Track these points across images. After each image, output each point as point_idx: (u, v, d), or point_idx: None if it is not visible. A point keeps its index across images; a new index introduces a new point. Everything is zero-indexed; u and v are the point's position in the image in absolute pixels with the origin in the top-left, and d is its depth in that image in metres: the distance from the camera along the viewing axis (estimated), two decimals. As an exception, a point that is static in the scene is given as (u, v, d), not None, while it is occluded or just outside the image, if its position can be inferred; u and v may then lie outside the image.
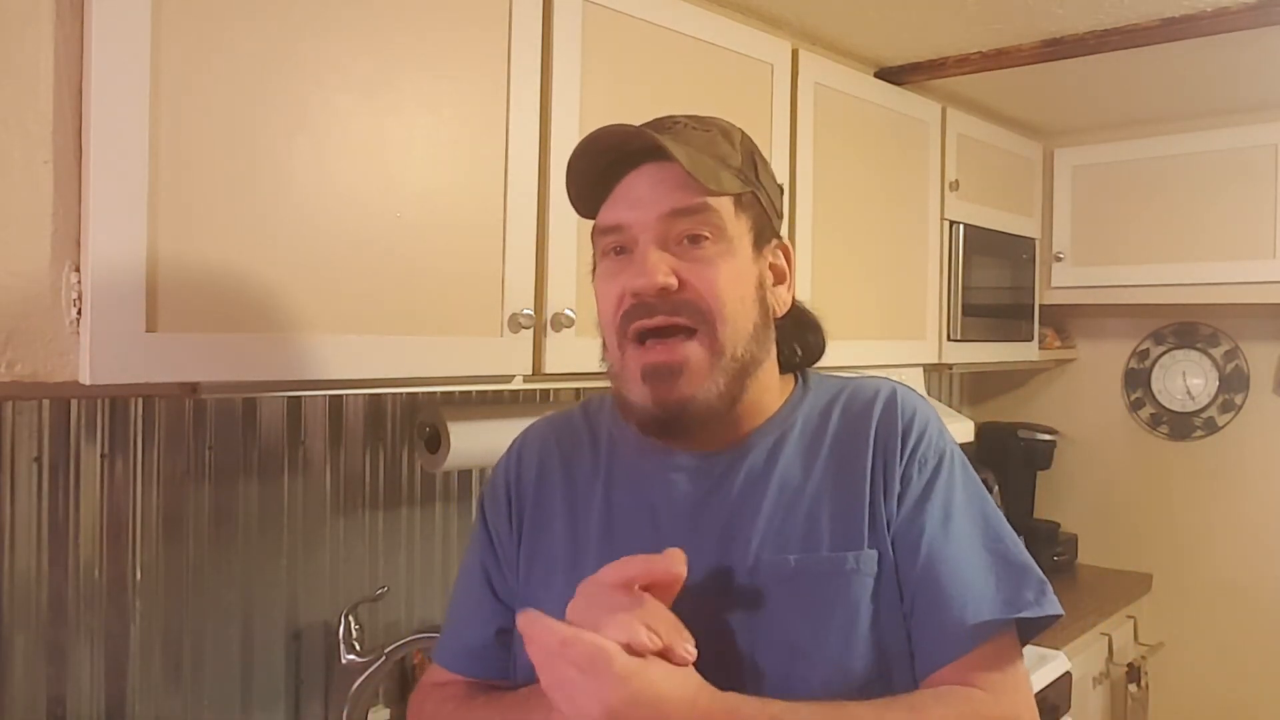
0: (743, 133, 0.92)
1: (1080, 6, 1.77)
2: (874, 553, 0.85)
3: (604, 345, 0.92)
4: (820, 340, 0.98)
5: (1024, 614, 0.85)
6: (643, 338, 0.84)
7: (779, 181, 0.96)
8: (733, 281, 0.85)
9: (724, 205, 0.85)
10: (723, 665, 0.82)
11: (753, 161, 0.91)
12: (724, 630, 0.84)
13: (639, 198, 0.85)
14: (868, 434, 0.90)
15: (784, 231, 1.82)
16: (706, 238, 0.84)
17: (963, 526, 0.88)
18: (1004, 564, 0.87)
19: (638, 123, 0.89)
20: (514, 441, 1.04)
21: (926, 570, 0.85)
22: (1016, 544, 0.90)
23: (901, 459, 0.88)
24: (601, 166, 0.87)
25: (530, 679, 0.83)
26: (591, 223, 0.91)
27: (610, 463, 0.95)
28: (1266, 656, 2.61)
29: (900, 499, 0.87)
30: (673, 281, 0.83)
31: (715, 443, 0.90)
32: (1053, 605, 0.86)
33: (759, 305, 0.88)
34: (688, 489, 0.89)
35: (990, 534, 0.89)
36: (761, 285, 0.89)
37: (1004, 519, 0.92)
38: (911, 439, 0.89)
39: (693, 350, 0.83)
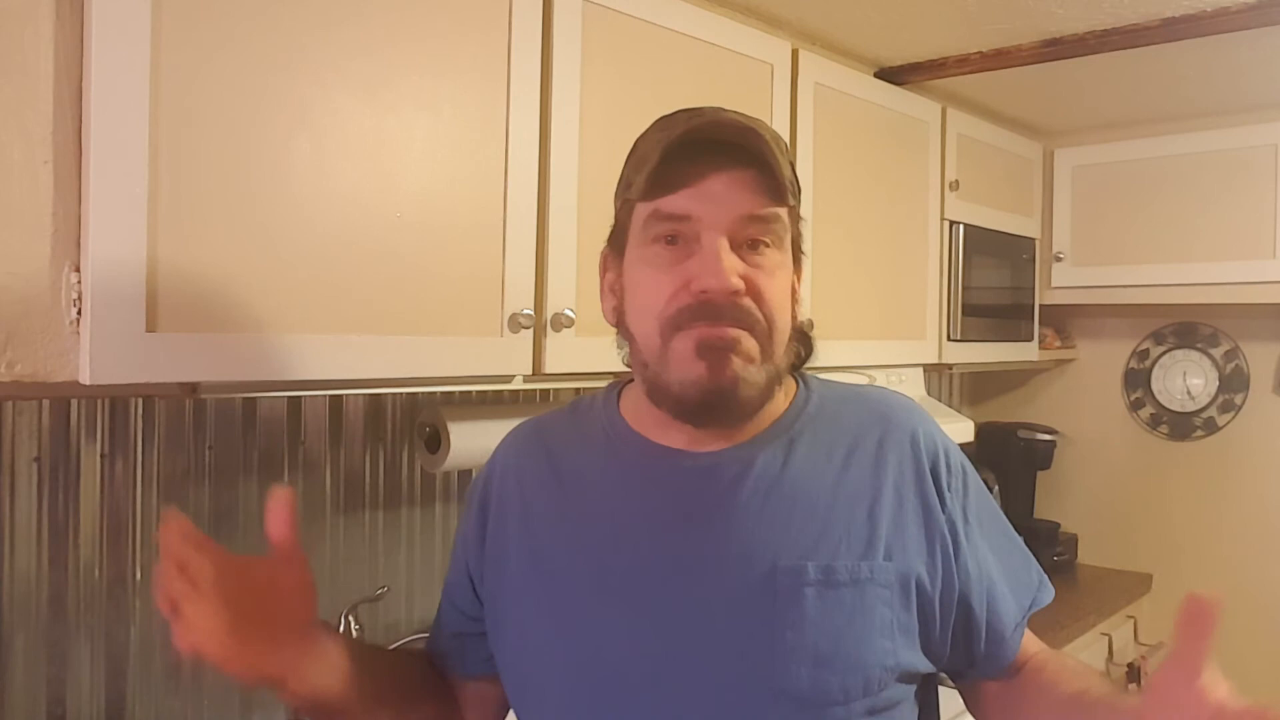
0: (785, 142, 0.90)
1: (1080, 6, 1.77)
2: (889, 565, 0.85)
3: (620, 334, 0.90)
4: (808, 350, 0.98)
5: (1041, 602, 0.97)
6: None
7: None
8: (784, 293, 0.86)
9: (785, 216, 0.86)
10: (742, 671, 0.82)
11: (794, 173, 0.89)
12: (743, 636, 0.83)
13: (715, 193, 0.82)
14: (887, 453, 0.90)
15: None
16: (768, 245, 0.84)
17: (994, 540, 0.94)
18: (1020, 555, 0.98)
19: (644, 120, 0.88)
20: (494, 452, 1.02)
21: (990, 593, 0.91)
22: (1011, 527, 1.00)
23: (941, 490, 0.90)
24: (674, 149, 0.83)
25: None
26: (628, 201, 0.88)
27: (607, 464, 0.93)
28: (1266, 656, 2.61)
29: (951, 536, 0.89)
30: (743, 285, 0.82)
31: (722, 441, 0.89)
32: (1049, 585, 0.99)
33: (793, 318, 0.89)
34: (694, 491, 0.88)
35: (1007, 531, 0.98)
36: (794, 299, 0.90)
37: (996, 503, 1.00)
38: (942, 471, 0.91)
39: (745, 336, 0.83)
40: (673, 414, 0.86)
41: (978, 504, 0.94)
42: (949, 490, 0.90)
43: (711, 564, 0.85)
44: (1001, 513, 0.99)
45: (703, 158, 0.83)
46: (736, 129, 0.82)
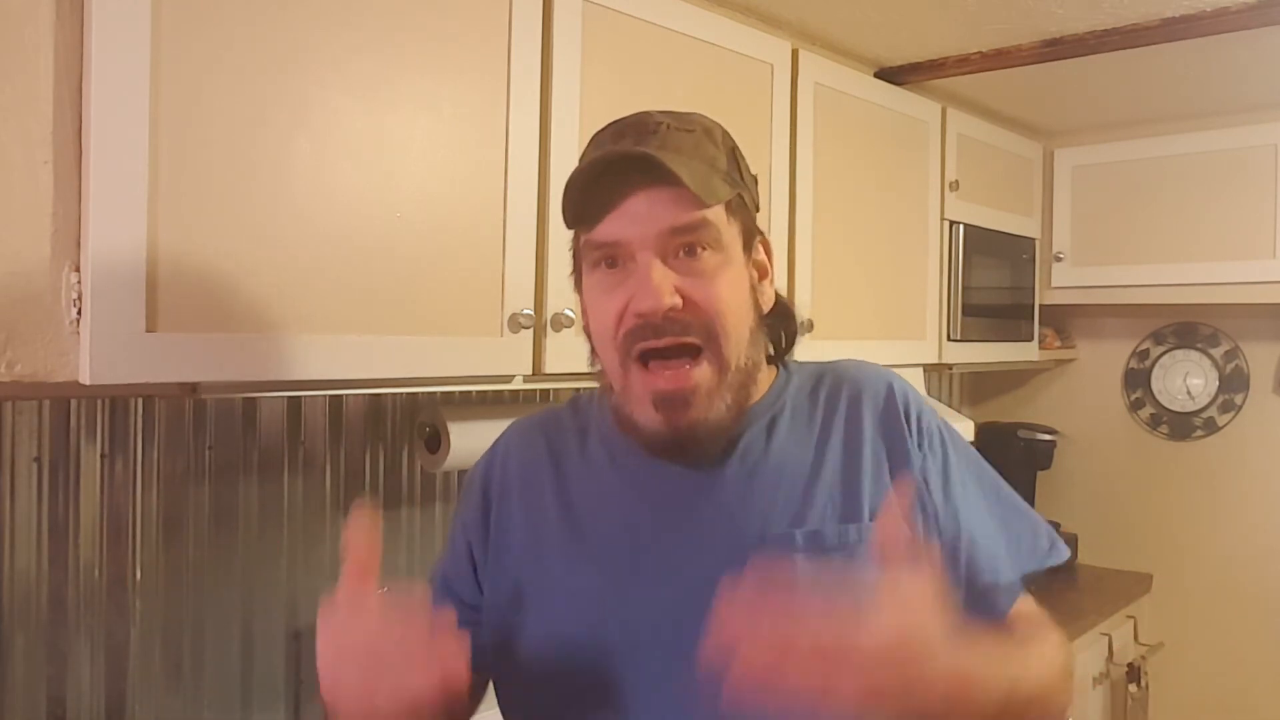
0: (722, 129, 0.91)
1: (1080, 6, 1.77)
2: (875, 525, 0.85)
3: (591, 351, 0.92)
4: (793, 329, 0.98)
5: (1049, 563, 0.95)
6: (646, 358, 0.84)
7: (753, 172, 0.95)
8: (732, 291, 0.86)
9: (718, 215, 0.85)
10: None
11: (735, 160, 0.90)
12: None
13: (637, 213, 0.83)
14: (862, 416, 0.92)
15: (784, 230, 1.82)
16: (705, 249, 0.84)
17: (981, 496, 0.94)
18: (1019, 518, 0.97)
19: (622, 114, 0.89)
20: (496, 442, 1.03)
21: (970, 548, 0.91)
22: (1013, 492, 0.99)
23: (912, 445, 0.91)
24: (594, 179, 0.85)
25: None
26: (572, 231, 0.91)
27: (602, 454, 0.95)
28: (1266, 656, 2.61)
29: (927, 490, 0.90)
30: (678, 301, 0.82)
31: None
32: (1063, 547, 0.97)
33: (754, 309, 0.89)
34: (684, 472, 0.89)
35: (1001, 493, 0.97)
36: (753, 288, 0.90)
37: (994, 471, 0.99)
38: (914, 425, 0.92)
39: (701, 374, 0.84)
40: (644, 449, 0.88)
41: (958, 464, 0.94)
42: (923, 446, 0.91)
43: (701, 540, 0.87)
44: (999, 479, 0.98)
45: (618, 179, 0.83)
46: (636, 157, 0.82)
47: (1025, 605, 0.96)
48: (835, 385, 0.95)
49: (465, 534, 1.01)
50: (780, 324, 0.97)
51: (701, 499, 0.89)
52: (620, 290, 0.84)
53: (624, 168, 0.83)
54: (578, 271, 0.92)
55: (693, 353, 0.84)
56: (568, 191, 0.85)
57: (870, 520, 0.86)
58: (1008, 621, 0.94)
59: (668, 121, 0.86)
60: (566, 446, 0.98)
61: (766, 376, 0.95)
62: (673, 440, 0.85)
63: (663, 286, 0.82)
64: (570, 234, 0.92)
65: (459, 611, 1.00)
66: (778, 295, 0.96)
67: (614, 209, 0.84)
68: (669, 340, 0.83)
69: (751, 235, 0.91)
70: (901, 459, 0.90)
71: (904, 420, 0.92)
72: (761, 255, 0.93)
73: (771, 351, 0.98)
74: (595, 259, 0.86)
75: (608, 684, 0.86)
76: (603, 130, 0.89)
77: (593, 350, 0.92)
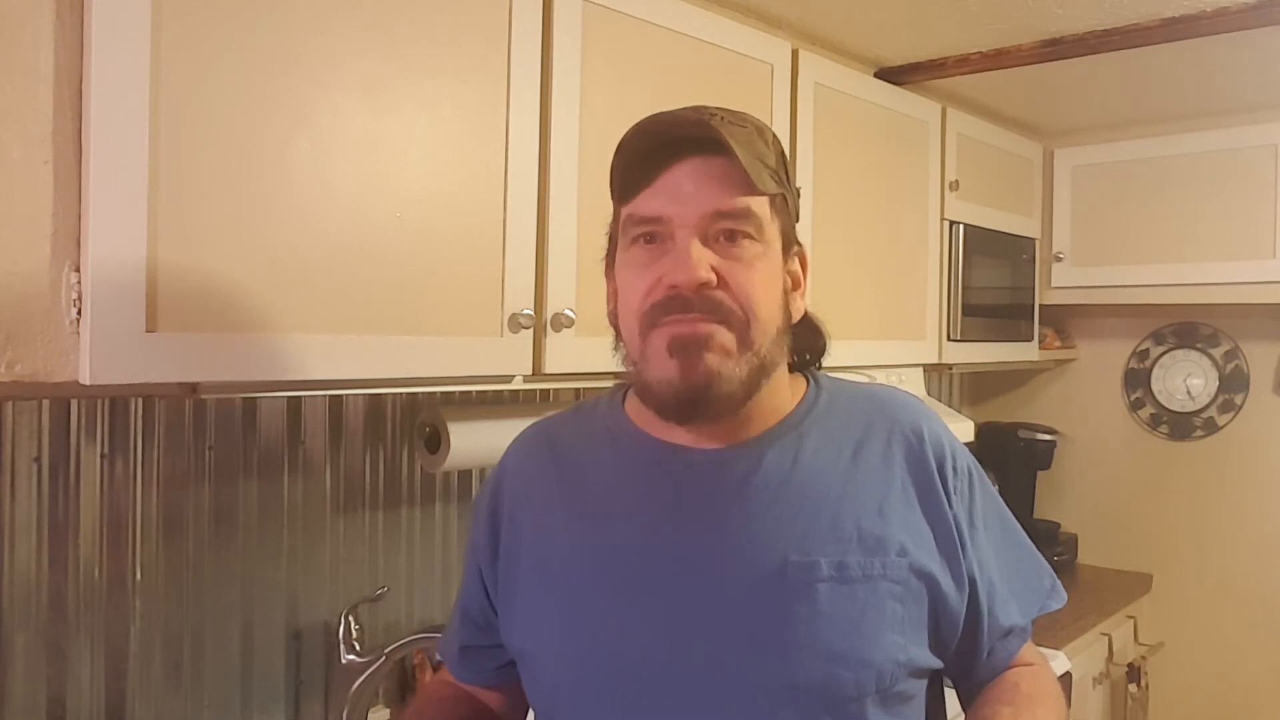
0: (772, 132, 0.91)
1: (1080, 6, 1.77)
2: (902, 560, 0.85)
3: (616, 337, 0.91)
4: (821, 344, 0.98)
5: (1049, 607, 0.98)
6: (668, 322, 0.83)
7: (796, 185, 0.96)
8: (766, 284, 0.85)
9: (763, 207, 0.85)
10: (755, 666, 0.82)
11: (783, 162, 0.90)
12: (755, 630, 0.83)
13: (683, 192, 0.83)
14: (895, 452, 0.91)
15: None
16: (746, 236, 0.84)
17: (1000, 539, 0.95)
18: (1030, 560, 0.99)
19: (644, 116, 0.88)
20: (503, 456, 1.02)
21: (990, 592, 0.91)
22: (1020, 528, 1.00)
23: (944, 491, 0.90)
24: (643, 151, 0.85)
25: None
26: (610, 209, 0.90)
27: (613, 462, 0.93)
28: (1266, 656, 2.61)
29: (957, 537, 0.89)
30: (713, 278, 0.82)
31: (728, 438, 0.89)
32: (1061, 590, 1.01)
33: (783, 310, 0.88)
34: (701, 487, 0.88)
35: (1016, 535, 0.98)
36: (785, 291, 0.89)
37: (1007, 508, 1.00)
38: (949, 472, 0.91)
39: (719, 329, 0.83)
40: (658, 414, 0.87)
41: (984, 507, 0.93)
42: (955, 492, 0.90)
43: (721, 559, 0.85)
44: (1012, 517, 0.99)
45: (668, 155, 0.83)
46: (691, 123, 0.82)
47: (1028, 647, 0.98)
48: (870, 415, 0.93)
49: (474, 556, 1.00)
50: (809, 337, 0.96)
51: (720, 513, 0.86)
52: (654, 266, 0.84)
53: (675, 142, 0.83)
54: (612, 253, 0.91)
55: (716, 320, 0.83)
56: (620, 157, 0.85)
57: (897, 556, 0.85)
58: (1015, 663, 0.95)
59: (721, 113, 0.86)
60: (573, 455, 0.96)
61: (794, 389, 0.94)
62: (685, 394, 0.83)
63: (700, 261, 0.81)
64: (603, 216, 0.92)
65: (474, 636, 1.01)
66: (806, 311, 0.95)
67: (656, 181, 0.83)
68: (695, 317, 0.82)
69: (790, 241, 0.90)
70: (933, 505, 0.89)
71: (937, 465, 0.91)
72: (796, 266, 0.92)
73: (798, 360, 0.97)
74: (634, 234, 0.86)
75: (615, 697, 0.85)
76: (648, 117, 0.87)
77: (616, 335, 0.91)
